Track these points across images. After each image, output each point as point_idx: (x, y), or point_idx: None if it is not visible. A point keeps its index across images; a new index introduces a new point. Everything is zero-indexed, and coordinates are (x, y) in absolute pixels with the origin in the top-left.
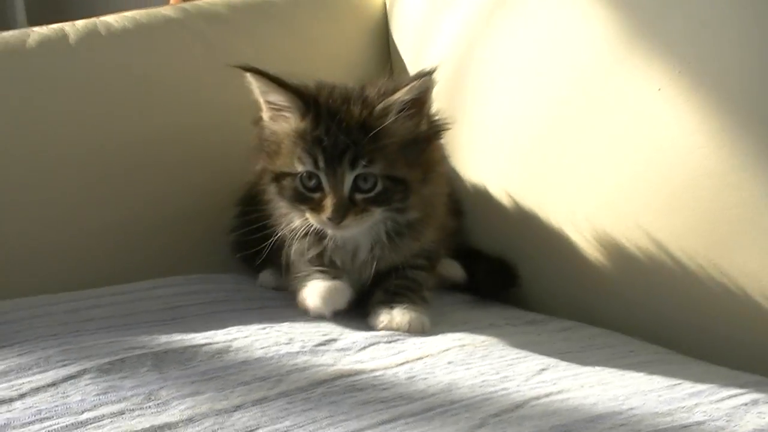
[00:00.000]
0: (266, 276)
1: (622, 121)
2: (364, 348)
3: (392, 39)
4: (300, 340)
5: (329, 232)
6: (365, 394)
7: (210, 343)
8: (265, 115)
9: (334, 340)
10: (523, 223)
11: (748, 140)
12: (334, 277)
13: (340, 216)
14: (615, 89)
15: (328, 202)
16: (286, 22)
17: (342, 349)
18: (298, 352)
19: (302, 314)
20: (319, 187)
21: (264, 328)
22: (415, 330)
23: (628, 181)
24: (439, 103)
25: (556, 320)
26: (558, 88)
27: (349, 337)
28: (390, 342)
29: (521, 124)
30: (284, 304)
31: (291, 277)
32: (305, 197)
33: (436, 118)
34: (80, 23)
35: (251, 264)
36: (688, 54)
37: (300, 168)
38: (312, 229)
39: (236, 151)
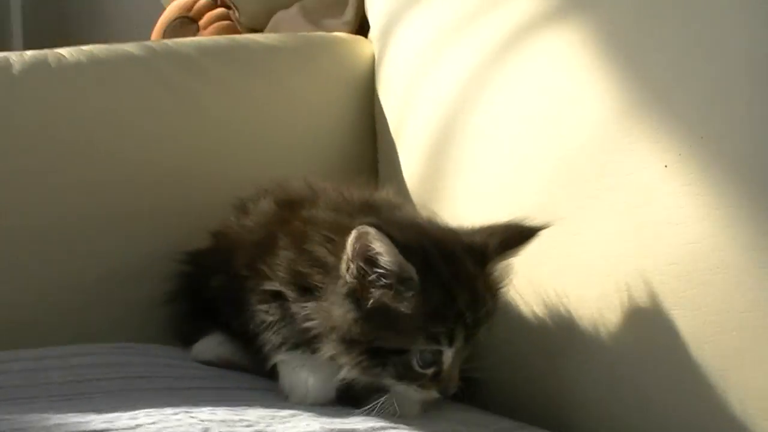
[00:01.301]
0: (205, 345)
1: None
2: None
3: (377, 96)
4: (217, 430)
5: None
6: None
7: (107, 429)
8: (359, 276)
9: None
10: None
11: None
12: None
13: (454, 388)
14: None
15: (446, 377)
16: (262, 69)
17: None
18: None
19: (239, 396)
20: (436, 363)
21: (177, 414)
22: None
23: None
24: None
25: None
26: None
27: (278, 431)
28: None
29: (513, 203)
30: (219, 386)
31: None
32: (415, 374)
33: None
34: (29, 53)
35: (187, 333)
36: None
37: (426, 346)
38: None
39: (191, 207)
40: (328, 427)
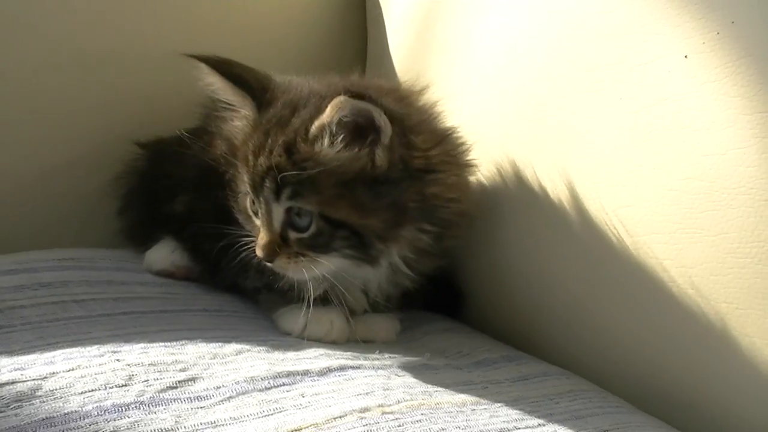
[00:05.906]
0: (159, 253)
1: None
2: (230, 398)
3: None
4: (143, 380)
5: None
6: None
7: (14, 381)
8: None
9: (193, 380)
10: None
11: None
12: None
13: (267, 254)
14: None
15: (259, 234)
16: None
17: (197, 398)
18: (130, 404)
19: (181, 324)
20: (257, 215)
21: (102, 356)
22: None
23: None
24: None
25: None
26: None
27: (216, 376)
28: (267, 389)
29: (504, 89)
30: (162, 308)
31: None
32: (250, 222)
33: (419, 155)
34: None
35: (140, 236)
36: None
37: (242, 187)
38: None
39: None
40: (275, 369)
